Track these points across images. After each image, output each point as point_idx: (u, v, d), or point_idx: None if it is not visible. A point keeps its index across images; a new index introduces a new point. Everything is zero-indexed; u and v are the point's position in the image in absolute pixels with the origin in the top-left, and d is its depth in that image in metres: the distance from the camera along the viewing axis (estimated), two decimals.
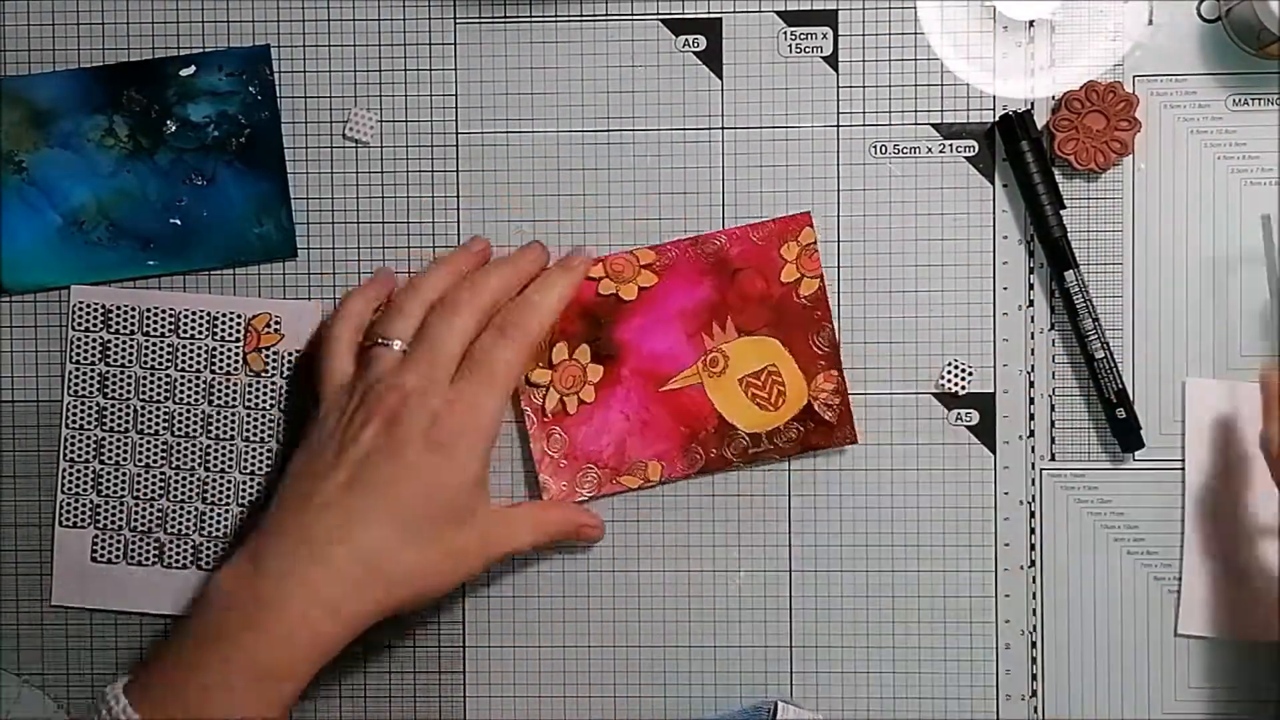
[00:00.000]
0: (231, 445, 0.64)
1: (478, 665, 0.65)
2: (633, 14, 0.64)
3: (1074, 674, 0.64)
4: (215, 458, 0.64)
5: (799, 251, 0.63)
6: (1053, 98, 0.63)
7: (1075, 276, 0.62)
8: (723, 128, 0.64)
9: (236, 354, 0.64)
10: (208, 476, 0.64)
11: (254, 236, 0.64)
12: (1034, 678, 0.64)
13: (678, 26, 0.64)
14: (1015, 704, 0.64)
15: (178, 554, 0.64)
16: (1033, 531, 0.64)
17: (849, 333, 0.64)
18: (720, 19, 0.64)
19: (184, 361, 0.64)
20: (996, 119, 0.63)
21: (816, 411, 0.63)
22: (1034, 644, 0.64)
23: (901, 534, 0.64)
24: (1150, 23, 0.63)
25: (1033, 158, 0.62)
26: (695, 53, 0.64)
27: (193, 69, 0.64)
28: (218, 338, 0.63)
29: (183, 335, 0.63)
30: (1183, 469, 0.63)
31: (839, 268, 0.64)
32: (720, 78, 0.64)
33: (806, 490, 0.64)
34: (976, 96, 0.64)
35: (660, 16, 0.64)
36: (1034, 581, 0.64)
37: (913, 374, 0.64)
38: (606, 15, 0.64)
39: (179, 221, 0.64)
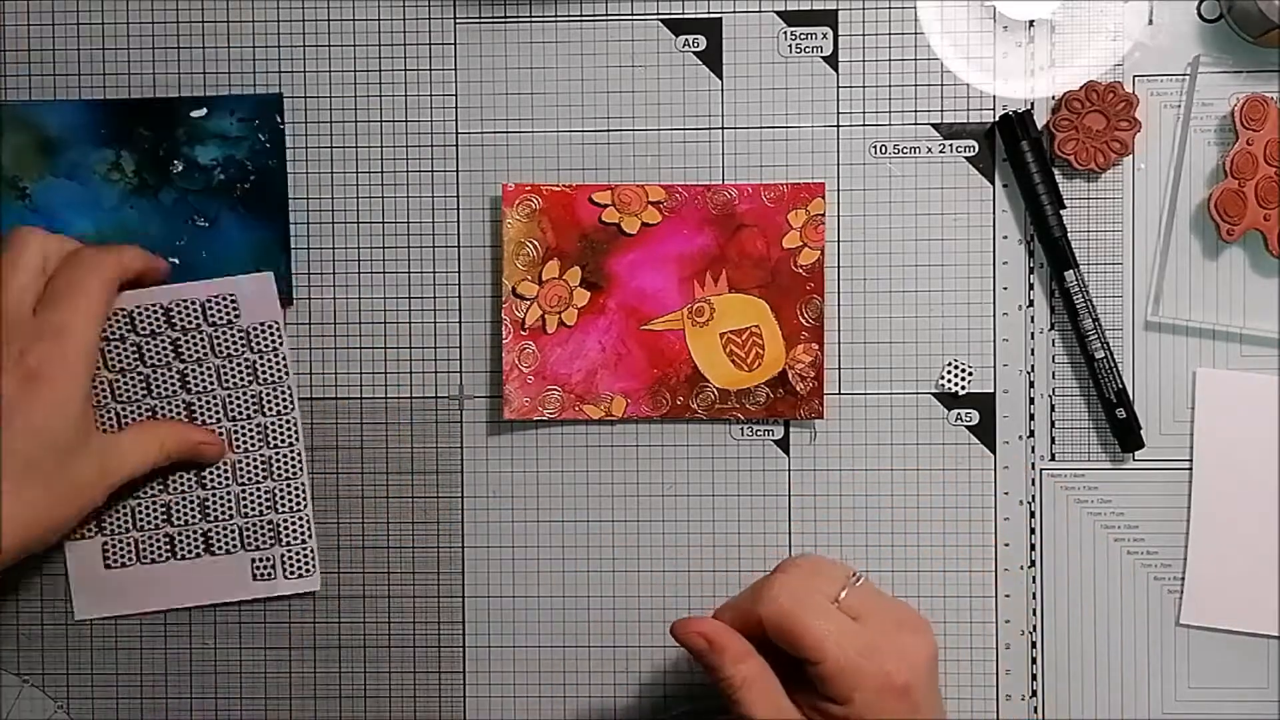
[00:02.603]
0: (219, 428, 0.64)
1: (478, 665, 0.65)
2: (633, 14, 0.64)
3: (1074, 674, 0.64)
4: None
5: (806, 220, 0.63)
6: (1053, 98, 0.63)
7: (1075, 276, 0.62)
8: (723, 128, 0.64)
9: (201, 339, 0.64)
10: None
11: None
12: (1034, 678, 0.64)
13: (678, 26, 0.64)
14: (1015, 704, 0.64)
15: (189, 545, 0.64)
16: (1033, 532, 0.64)
17: (849, 333, 0.64)
18: (720, 19, 0.64)
19: (151, 357, 0.64)
20: (996, 119, 0.63)
21: (790, 380, 0.63)
22: (1034, 644, 0.64)
23: (901, 534, 0.64)
24: (1150, 22, 0.63)
25: (1033, 158, 0.62)
26: (695, 53, 0.64)
27: (204, 111, 0.64)
28: (177, 328, 0.64)
29: (141, 333, 0.63)
30: (1190, 458, 0.63)
31: (839, 268, 0.64)
32: (720, 78, 0.64)
33: (807, 490, 0.64)
34: (976, 96, 0.64)
35: (660, 16, 0.64)
36: (1034, 581, 0.64)
37: (913, 374, 0.64)
38: (606, 15, 0.64)
39: (177, 261, 0.64)
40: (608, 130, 0.64)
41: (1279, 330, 0.63)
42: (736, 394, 0.63)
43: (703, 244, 0.63)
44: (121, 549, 0.64)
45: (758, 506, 0.64)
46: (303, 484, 0.64)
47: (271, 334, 0.64)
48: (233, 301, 0.64)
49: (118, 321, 0.63)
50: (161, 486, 0.64)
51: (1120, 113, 0.62)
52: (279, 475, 0.64)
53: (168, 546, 0.64)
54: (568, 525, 0.65)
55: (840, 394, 0.64)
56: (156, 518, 0.64)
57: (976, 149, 0.64)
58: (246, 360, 0.64)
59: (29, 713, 0.66)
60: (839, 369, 0.64)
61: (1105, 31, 0.63)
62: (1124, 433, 0.63)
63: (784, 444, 0.64)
